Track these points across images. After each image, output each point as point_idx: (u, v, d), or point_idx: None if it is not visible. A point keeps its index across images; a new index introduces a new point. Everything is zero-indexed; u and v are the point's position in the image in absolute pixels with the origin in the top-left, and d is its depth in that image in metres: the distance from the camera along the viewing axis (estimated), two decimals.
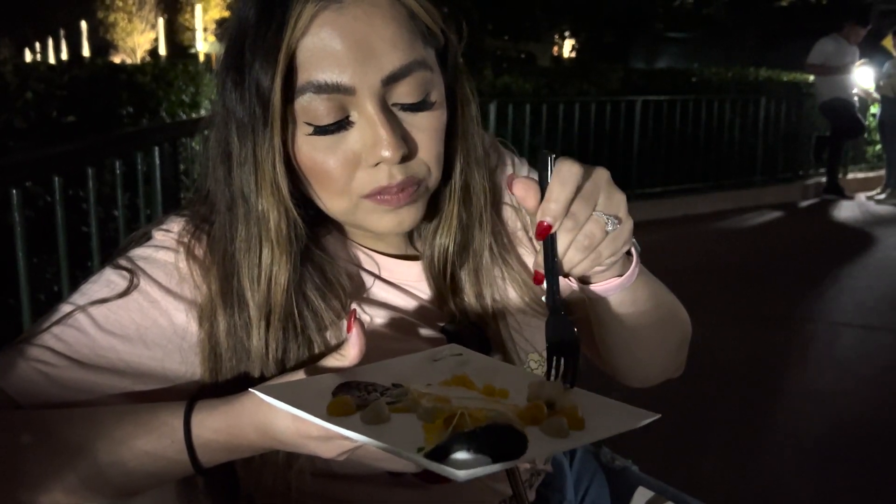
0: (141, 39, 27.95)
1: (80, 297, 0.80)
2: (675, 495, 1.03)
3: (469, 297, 0.87)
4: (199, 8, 23.40)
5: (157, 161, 2.71)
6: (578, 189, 0.69)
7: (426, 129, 0.77)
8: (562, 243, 0.70)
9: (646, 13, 18.78)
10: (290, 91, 0.72)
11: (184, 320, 0.79)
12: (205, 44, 21.29)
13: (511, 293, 0.89)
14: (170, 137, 3.09)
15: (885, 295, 4.44)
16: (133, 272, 0.80)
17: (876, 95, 7.34)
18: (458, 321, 0.86)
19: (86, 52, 26.05)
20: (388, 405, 0.64)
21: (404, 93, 0.75)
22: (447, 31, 0.80)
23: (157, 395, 0.79)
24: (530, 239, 0.92)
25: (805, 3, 18.69)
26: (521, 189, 0.71)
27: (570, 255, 0.70)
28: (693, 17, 19.53)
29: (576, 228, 0.69)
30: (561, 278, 0.73)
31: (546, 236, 0.69)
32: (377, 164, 0.75)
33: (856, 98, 7.38)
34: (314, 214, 0.81)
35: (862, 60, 7.16)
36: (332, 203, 0.79)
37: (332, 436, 0.64)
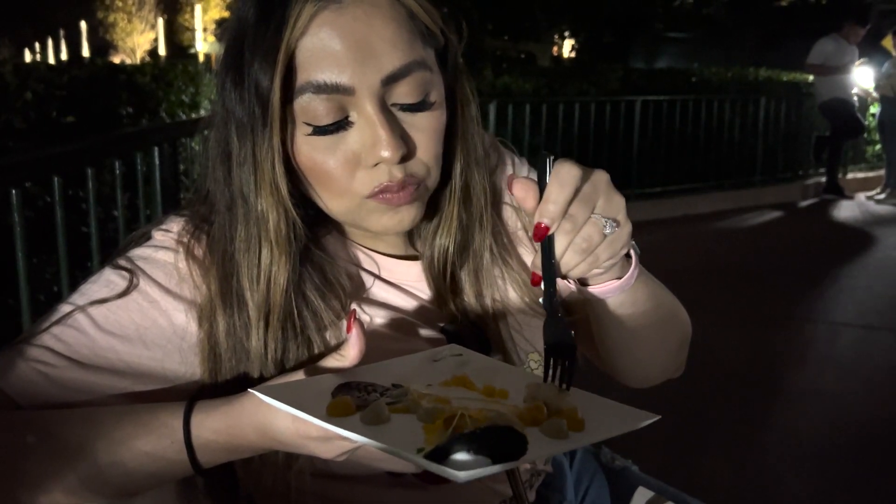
0: (140, 40, 27.95)
1: (79, 298, 0.80)
2: (675, 495, 1.03)
3: (469, 297, 0.87)
4: (198, 8, 23.41)
5: (157, 161, 2.71)
6: (577, 191, 0.69)
7: (425, 129, 0.77)
8: (559, 245, 0.70)
9: (645, 13, 18.77)
10: (289, 91, 0.72)
11: (183, 320, 0.79)
12: (204, 44, 21.29)
13: (511, 293, 0.89)
14: (169, 138, 3.09)
15: (885, 295, 4.44)
16: (132, 272, 0.80)
17: (875, 95, 7.34)
18: (458, 321, 0.86)
19: (85, 52, 26.06)
20: (387, 406, 0.64)
21: (404, 93, 0.75)
22: (447, 31, 0.80)
23: (157, 396, 0.79)
24: (530, 239, 0.92)
25: (805, 3, 18.69)
26: (520, 190, 0.70)
27: (568, 257, 0.70)
28: (693, 17, 19.52)
29: (574, 231, 0.69)
30: (559, 279, 0.73)
31: (544, 238, 0.69)
32: (377, 165, 0.75)
33: (855, 98, 7.38)
34: (314, 214, 0.81)
35: (861, 60, 7.16)
36: (333, 203, 0.78)
37: (331, 436, 0.64)
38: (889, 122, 7.12)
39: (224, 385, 0.78)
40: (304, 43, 0.72)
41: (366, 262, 0.87)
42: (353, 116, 0.74)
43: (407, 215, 0.79)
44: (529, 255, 0.92)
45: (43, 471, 0.73)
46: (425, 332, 0.85)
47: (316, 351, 0.78)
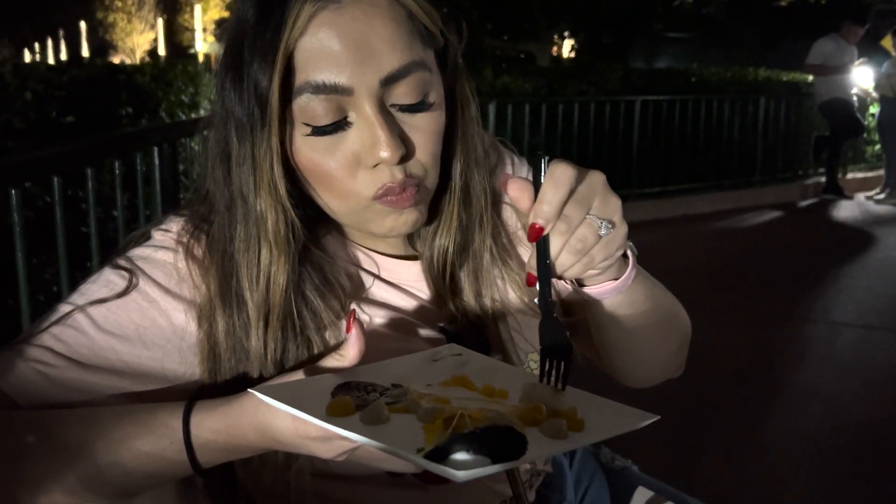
0: (140, 40, 27.96)
1: (79, 298, 0.80)
2: (675, 495, 1.03)
3: (468, 297, 0.87)
4: (198, 8, 23.41)
5: (157, 161, 2.71)
6: (572, 192, 0.68)
7: (424, 129, 0.77)
8: (554, 246, 0.69)
9: (645, 13, 18.77)
10: (288, 91, 0.72)
11: (183, 320, 0.79)
12: (204, 44, 21.29)
13: (511, 294, 0.89)
14: (169, 138, 3.09)
15: (885, 295, 4.44)
16: (132, 272, 0.80)
17: (875, 95, 7.34)
18: (457, 321, 0.86)
19: (85, 52, 26.05)
20: (387, 405, 0.64)
21: (402, 93, 0.75)
22: (446, 31, 0.80)
23: (157, 396, 0.78)
24: None
25: (805, 3, 18.69)
26: (515, 190, 0.70)
27: (563, 258, 0.70)
28: (692, 18, 19.51)
29: (569, 231, 0.69)
30: (558, 280, 0.73)
31: (538, 238, 0.69)
32: (376, 165, 0.75)
33: (855, 98, 7.39)
34: (313, 214, 0.81)
35: (861, 60, 7.16)
36: (336, 204, 0.78)
37: (331, 436, 0.64)
38: (888, 122, 7.12)
39: (223, 385, 0.78)
40: (303, 43, 0.72)
41: (365, 261, 0.87)
42: (352, 117, 0.74)
43: (410, 218, 0.79)
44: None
45: (42, 471, 0.72)
46: (425, 332, 0.85)
47: (315, 351, 0.78)
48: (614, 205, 0.71)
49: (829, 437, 2.71)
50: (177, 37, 28.57)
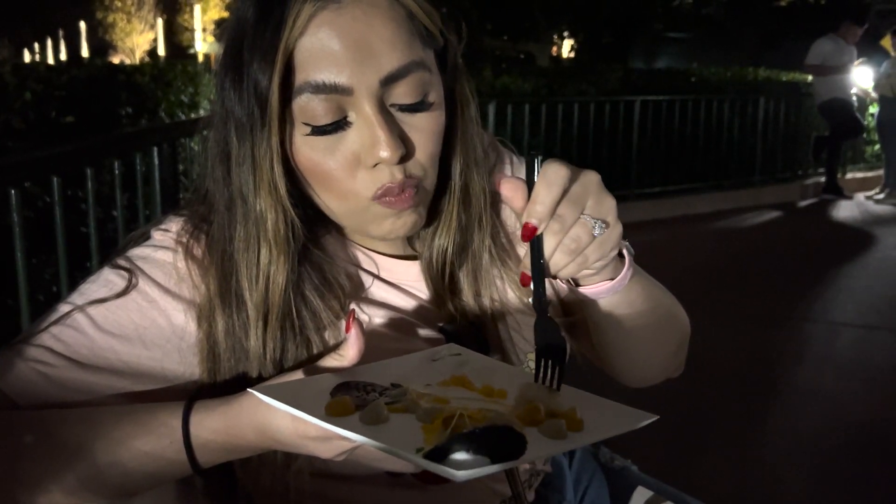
0: (140, 40, 27.95)
1: (78, 297, 0.80)
2: (675, 495, 1.03)
3: (468, 297, 0.87)
4: (197, 8, 23.40)
5: (156, 161, 2.71)
6: (565, 191, 0.68)
7: (424, 129, 0.77)
8: (548, 246, 0.69)
9: (645, 13, 18.77)
10: (288, 91, 0.72)
11: (182, 320, 0.79)
12: (204, 44, 21.29)
13: (510, 294, 0.89)
14: (169, 138, 3.09)
15: (885, 295, 4.44)
16: (131, 272, 0.80)
17: (874, 95, 7.34)
18: (456, 321, 0.86)
19: (85, 52, 26.05)
20: (386, 405, 0.64)
21: (402, 93, 0.75)
22: (446, 32, 0.80)
23: (156, 396, 0.78)
24: None
25: (804, 3, 18.70)
26: (508, 189, 0.70)
27: (557, 257, 0.70)
28: (692, 18, 19.52)
29: (562, 231, 0.68)
30: (557, 280, 0.73)
31: (532, 238, 0.69)
32: (376, 165, 0.75)
33: (854, 98, 7.39)
34: (313, 214, 0.81)
35: (860, 60, 7.16)
36: (336, 204, 0.78)
37: (330, 436, 0.64)
38: (888, 122, 7.12)
39: (223, 385, 0.78)
40: (303, 43, 0.72)
41: (365, 261, 0.87)
42: (352, 117, 0.74)
43: (409, 220, 0.79)
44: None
45: (42, 471, 0.72)
46: (424, 331, 0.85)
47: (315, 351, 0.78)
48: (609, 205, 0.71)
49: (828, 437, 2.71)
50: (176, 37, 28.56)
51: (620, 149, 6.54)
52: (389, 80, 0.73)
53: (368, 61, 0.72)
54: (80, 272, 2.20)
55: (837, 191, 7.46)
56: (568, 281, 0.78)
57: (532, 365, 0.89)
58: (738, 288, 4.55)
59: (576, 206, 0.69)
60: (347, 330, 0.69)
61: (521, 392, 0.69)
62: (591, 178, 0.70)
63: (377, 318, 0.84)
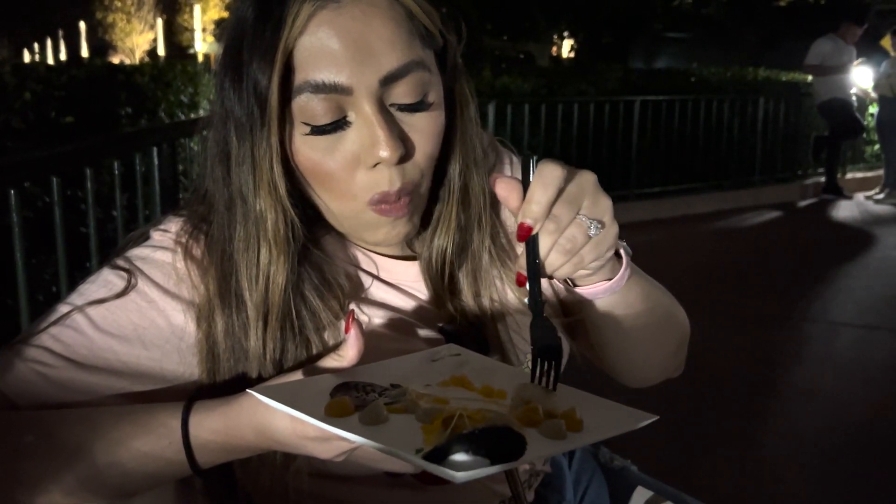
0: (139, 40, 27.96)
1: (77, 298, 0.79)
2: (675, 495, 1.02)
3: (467, 297, 0.87)
4: (197, 8, 23.41)
5: (156, 162, 2.71)
6: (561, 191, 0.68)
7: (423, 129, 0.77)
8: (544, 246, 0.69)
9: (644, 13, 18.77)
10: (287, 91, 0.72)
11: (182, 320, 0.79)
12: (203, 44, 21.30)
13: (509, 294, 0.89)
14: (168, 138, 3.09)
15: (885, 295, 4.44)
16: (131, 272, 0.80)
17: (874, 95, 7.34)
18: (456, 322, 0.86)
19: (84, 52, 26.04)
20: (386, 406, 0.64)
21: (402, 93, 0.74)
22: (446, 32, 0.79)
23: (155, 396, 0.78)
24: None
25: (804, 3, 18.69)
26: (503, 189, 0.70)
27: (553, 257, 0.69)
28: (692, 17, 19.51)
29: (557, 231, 0.68)
30: (555, 281, 0.72)
31: (527, 238, 0.69)
32: (376, 165, 0.75)
33: (854, 98, 7.39)
34: (312, 214, 0.81)
35: (860, 60, 7.16)
36: (334, 204, 0.78)
37: (329, 437, 0.63)
38: (888, 122, 7.12)
39: (222, 385, 0.77)
40: (303, 42, 0.71)
41: (364, 262, 0.87)
42: (352, 116, 0.74)
43: (403, 230, 0.79)
44: None
45: (41, 471, 0.72)
46: (424, 332, 0.85)
47: (314, 351, 0.78)
48: (605, 205, 0.70)
49: (828, 437, 2.71)
50: (176, 37, 28.56)
51: (620, 149, 6.54)
52: (389, 80, 0.73)
53: (368, 61, 0.72)
54: (79, 272, 2.20)
55: (837, 191, 7.46)
56: (565, 281, 0.78)
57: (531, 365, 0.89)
58: (738, 288, 4.55)
59: (571, 206, 0.68)
60: (347, 330, 0.69)
61: (517, 393, 0.68)
62: (587, 178, 0.70)
63: (377, 318, 0.84)
